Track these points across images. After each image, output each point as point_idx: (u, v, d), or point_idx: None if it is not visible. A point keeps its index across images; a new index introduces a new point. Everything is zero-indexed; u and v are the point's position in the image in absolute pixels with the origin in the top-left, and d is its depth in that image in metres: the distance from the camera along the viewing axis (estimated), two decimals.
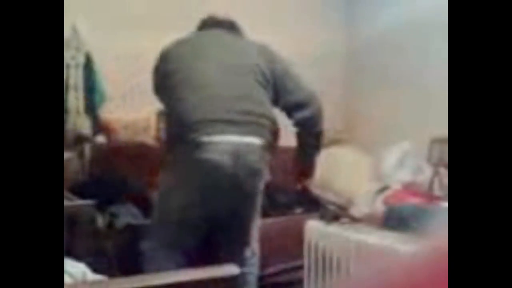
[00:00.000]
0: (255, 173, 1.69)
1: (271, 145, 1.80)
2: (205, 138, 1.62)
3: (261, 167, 1.71)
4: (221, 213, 1.75)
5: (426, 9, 2.66)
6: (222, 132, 1.63)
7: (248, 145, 1.66)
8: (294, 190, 2.71)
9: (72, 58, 2.40)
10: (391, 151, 2.57)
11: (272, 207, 2.55)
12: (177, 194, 1.73)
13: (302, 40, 2.97)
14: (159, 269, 1.70)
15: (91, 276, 1.36)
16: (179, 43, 1.88)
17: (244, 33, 2.00)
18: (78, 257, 1.61)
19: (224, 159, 1.62)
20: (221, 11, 2.01)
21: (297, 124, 1.90)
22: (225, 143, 1.63)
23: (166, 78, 1.81)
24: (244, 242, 1.83)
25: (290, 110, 1.87)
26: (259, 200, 1.82)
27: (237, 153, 1.63)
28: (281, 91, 1.82)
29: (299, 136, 1.96)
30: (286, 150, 2.78)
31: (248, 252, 1.83)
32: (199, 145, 1.62)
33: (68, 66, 2.39)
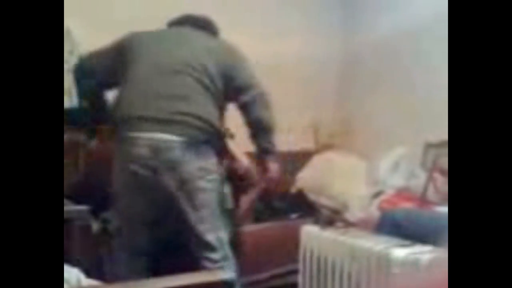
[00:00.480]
0: (174, 167, 1.73)
1: (209, 145, 1.80)
2: (129, 134, 1.75)
3: (181, 162, 1.73)
4: (153, 210, 1.81)
5: (422, 16, 2.68)
6: (144, 129, 1.74)
7: (168, 141, 1.73)
8: (290, 195, 2.72)
9: (65, 62, 2.38)
10: (386, 156, 2.59)
11: (267, 212, 2.55)
12: (116, 191, 1.84)
13: (298, 45, 2.98)
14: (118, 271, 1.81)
15: (85, 281, 1.35)
16: (134, 36, 1.94)
17: (217, 32, 2.05)
18: (72, 263, 1.61)
19: (144, 152, 1.72)
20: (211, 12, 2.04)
21: (240, 108, 1.93)
22: (146, 139, 1.73)
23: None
24: (197, 244, 1.80)
25: (233, 96, 1.91)
26: (206, 201, 1.79)
27: (156, 148, 1.72)
28: (229, 85, 1.88)
29: (252, 137, 1.96)
30: (280, 155, 2.80)
31: (213, 255, 1.81)
32: (124, 140, 1.77)
33: None
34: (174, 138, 1.74)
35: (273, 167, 2.01)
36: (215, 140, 1.84)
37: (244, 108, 1.92)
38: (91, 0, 2.55)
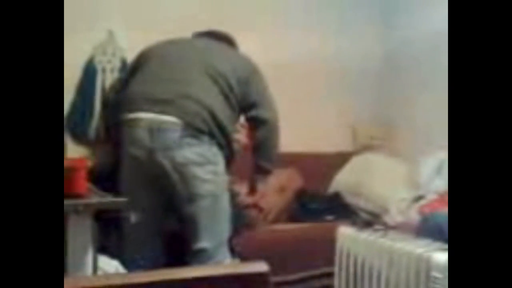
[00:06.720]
0: (169, 149, 1.70)
1: (211, 137, 1.76)
2: (130, 115, 1.77)
3: (176, 145, 1.70)
4: (153, 195, 1.76)
5: None
6: (144, 110, 1.75)
7: (164, 122, 1.72)
8: (326, 197, 2.67)
9: (108, 62, 2.48)
10: (429, 160, 2.50)
11: (303, 213, 2.52)
12: (122, 177, 1.82)
13: (337, 44, 2.93)
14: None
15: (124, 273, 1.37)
16: (150, 46, 1.96)
17: (236, 46, 2.05)
18: (112, 255, 1.64)
19: (142, 134, 1.72)
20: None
21: (249, 120, 1.93)
22: (145, 120, 1.74)
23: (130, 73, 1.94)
24: (185, 231, 1.74)
25: (245, 109, 1.89)
26: (204, 191, 1.73)
27: (153, 129, 1.72)
28: (244, 99, 1.87)
29: (253, 152, 1.94)
30: (317, 156, 2.76)
31: (194, 246, 1.74)
32: (126, 122, 1.79)
33: (104, 70, 2.47)
34: (171, 119, 1.72)
35: (261, 187, 2.00)
36: (218, 135, 1.78)
37: (253, 122, 1.91)
38: (135, 3, 2.59)
